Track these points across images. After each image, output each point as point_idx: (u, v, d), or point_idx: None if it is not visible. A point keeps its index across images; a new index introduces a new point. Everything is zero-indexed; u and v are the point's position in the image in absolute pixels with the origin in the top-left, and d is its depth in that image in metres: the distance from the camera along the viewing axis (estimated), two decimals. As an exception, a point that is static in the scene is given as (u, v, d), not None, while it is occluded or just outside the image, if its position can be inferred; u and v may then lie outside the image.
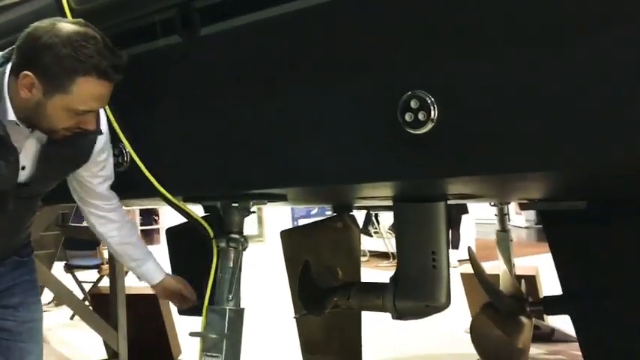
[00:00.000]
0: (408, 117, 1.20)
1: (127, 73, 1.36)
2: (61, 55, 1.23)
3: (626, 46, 0.99)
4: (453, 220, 8.35)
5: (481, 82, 1.15)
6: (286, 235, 3.08)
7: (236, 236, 1.73)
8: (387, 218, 8.45)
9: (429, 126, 1.19)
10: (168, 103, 1.62)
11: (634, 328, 2.22)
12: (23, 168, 1.43)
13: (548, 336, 3.87)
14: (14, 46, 1.30)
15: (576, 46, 1.04)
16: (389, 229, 8.22)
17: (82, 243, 5.29)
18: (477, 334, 2.35)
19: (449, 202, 1.96)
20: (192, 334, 1.65)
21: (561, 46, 1.05)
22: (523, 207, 2.45)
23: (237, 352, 1.69)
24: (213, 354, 1.66)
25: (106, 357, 3.82)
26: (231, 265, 1.72)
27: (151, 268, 1.79)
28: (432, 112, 1.18)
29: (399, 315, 1.90)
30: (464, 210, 8.20)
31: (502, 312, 2.48)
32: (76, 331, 4.59)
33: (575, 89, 1.06)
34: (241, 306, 1.73)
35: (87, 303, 4.61)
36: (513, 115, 1.14)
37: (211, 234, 1.75)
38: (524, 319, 2.53)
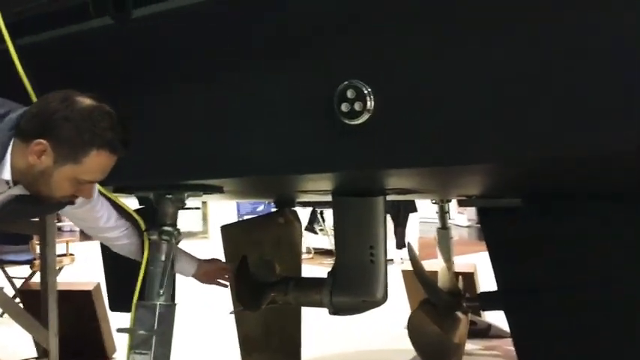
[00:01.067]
0: (344, 107, 1.18)
1: (58, 54, 1.31)
2: (80, 128, 1.27)
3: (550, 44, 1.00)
4: (401, 219, 8.46)
5: (418, 73, 1.15)
6: (227, 230, 3.02)
7: (169, 229, 1.67)
8: (332, 216, 8.48)
9: (365, 116, 1.17)
10: (100, 88, 1.54)
11: (565, 323, 2.28)
12: None
13: (484, 332, 3.95)
14: (26, 111, 1.31)
15: (512, 36, 1.04)
16: (307, 228, 8.26)
17: (13, 237, 5.06)
18: (414, 329, 2.36)
19: (389, 197, 1.96)
20: (119, 331, 1.58)
21: (499, 34, 1.06)
22: (461, 204, 2.48)
23: (167, 349, 1.63)
24: (142, 351, 1.59)
25: (36, 356, 3.65)
26: (163, 258, 1.66)
27: (183, 263, 1.81)
28: (369, 103, 1.16)
29: (336, 310, 1.88)
30: (412, 209, 8.30)
31: (439, 308, 2.50)
32: (5, 329, 4.37)
33: (508, 82, 1.06)
34: (173, 301, 1.67)
35: (17, 300, 4.40)
36: (449, 107, 1.13)
37: (143, 226, 1.69)
38: (460, 315, 2.56)
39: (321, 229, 8.27)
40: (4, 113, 1.30)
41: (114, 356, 3.84)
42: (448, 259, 3.93)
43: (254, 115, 1.31)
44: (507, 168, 1.22)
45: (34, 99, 1.47)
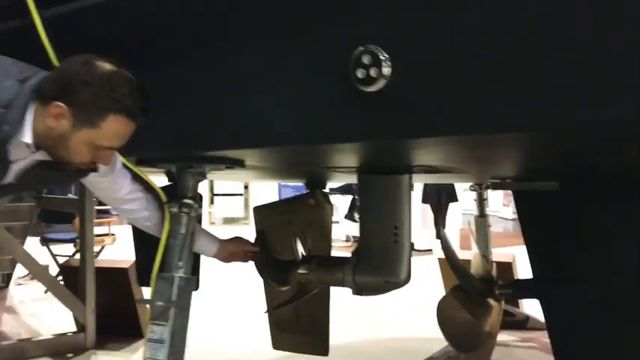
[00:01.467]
0: (360, 73, 1.14)
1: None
2: (98, 93, 1.26)
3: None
4: (442, 208, 8.32)
5: (435, 38, 1.09)
6: (258, 212, 3.02)
7: (189, 201, 1.66)
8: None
9: (381, 83, 1.12)
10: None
11: (601, 314, 2.18)
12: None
13: (522, 323, 3.85)
14: (46, 74, 1.32)
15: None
16: (346, 217, 8.20)
17: (58, 216, 5.21)
18: (443, 316, 2.29)
19: (418, 179, 1.90)
20: (139, 302, 1.58)
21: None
22: (496, 187, 2.40)
23: (185, 321, 1.63)
24: (161, 322, 1.60)
25: (75, 330, 3.75)
26: (183, 230, 1.65)
27: (204, 242, 1.81)
28: (385, 69, 1.12)
29: (359, 290, 1.84)
30: (453, 198, 8.15)
31: (471, 294, 2.43)
32: (48, 305, 4.51)
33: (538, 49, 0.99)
34: (193, 275, 1.66)
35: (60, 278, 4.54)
36: (468, 73, 1.07)
37: (164, 199, 1.69)
38: (492, 302, 2.49)
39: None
40: (26, 78, 1.30)
41: (149, 334, 3.90)
42: (485, 248, 3.84)
43: (268, 84, 1.28)
44: (542, 138, 1.13)
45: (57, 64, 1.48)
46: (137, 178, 1.68)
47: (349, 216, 8.28)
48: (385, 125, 1.16)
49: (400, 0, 1.12)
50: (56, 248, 5.53)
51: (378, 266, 1.80)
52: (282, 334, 3.05)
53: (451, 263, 2.35)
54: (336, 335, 3.25)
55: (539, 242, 2.33)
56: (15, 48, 1.38)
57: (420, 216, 8.13)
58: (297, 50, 1.22)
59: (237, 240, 1.95)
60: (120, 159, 1.59)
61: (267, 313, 3.05)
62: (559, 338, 2.30)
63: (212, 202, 11.90)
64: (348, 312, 4.65)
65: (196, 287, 2.30)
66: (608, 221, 2.11)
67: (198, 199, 1.71)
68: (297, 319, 2.98)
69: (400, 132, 1.16)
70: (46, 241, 5.34)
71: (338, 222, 8.29)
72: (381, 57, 1.12)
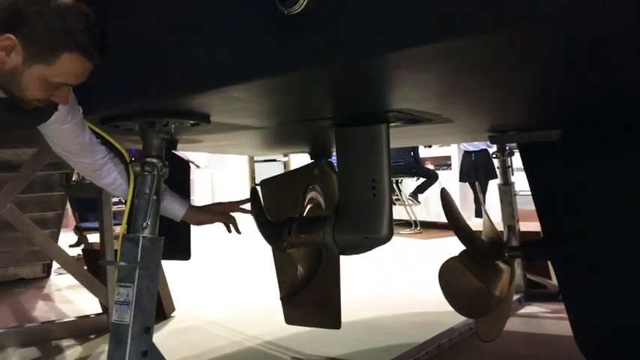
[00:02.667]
0: (280, -6, 1.05)
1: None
2: (52, 27, 1.19)
3: None
4: (480, 187, 8.08)
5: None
6: (265, 185, 2.97)
7: (153, 160, 1.61)
8: (408, 185, 8.25)
9: (303, 2, 1.03)
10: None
11: (615, 274, 2.02)
12: None
13: (554, 295, 3.66)
14: None
15: None
16: (410, 195, 8.02)
17: (90, 204, 5.30)
18: (446, 280, 2.18)
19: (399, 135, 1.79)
20: (102, 263, 1.55)
21: None
22: (494, 140, 2.26)
23: (153, 282, 1.58)
24: (126, 284, 1.55)
25: (99, 312, 3.81)
26: (147, 190, 1.60)
27: (169, 204, 1.75)
28: (302, -15, 1.02)
29: (341, 249, 1.76)
30: (492, 175, 7.90)
31: (478, 257, 2.30)
32: (83, 292, 4.61)
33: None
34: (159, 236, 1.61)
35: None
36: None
37: (127, 158, 1.64)
38: (502, 265, 2.35)
39: (397, 199, 8.06)
40: None
41: (172, 315, 3.92)
42: (510, 218, 3.67)
43: (198, 26, 1.21)
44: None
45: None
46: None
47: (413, 195, 8.07)
48: (311, 49, 1.07)
49: None
50: (93, 237, 5.66)
51: (358, 222, 1.71)
52: (294, 309, 3.00)
53: (453, 223, 2.23)
54: (352, 310, 3.18)
55: (546, 200, 2.18)
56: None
57: (458, 195, 7.92)
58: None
59: (216, 204, 1.88)
60: (78, 107, 1.54)
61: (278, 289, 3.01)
62: (572, 301, 2.15)
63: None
64: (364, 285, 4.58)
65: (187, 257, 2.28)
66: (617, 173, 1.94)
67: (164, 158, 1.65)
68: (308, 293, 2.92)
69: (328, 56, 1.07)
70: (79, 230, 5.46)
71: (399, 202, 8.06)
72: (300, -27, 1.03)
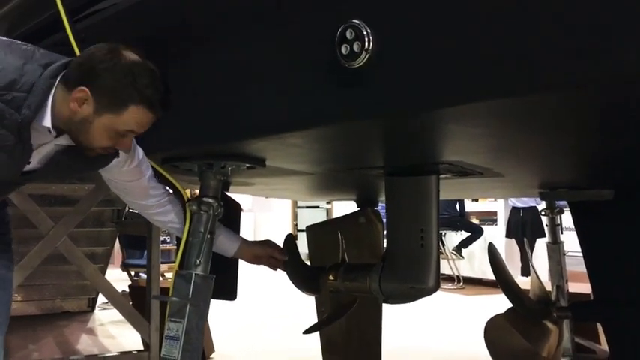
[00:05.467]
0: (344, 49, 1.11)
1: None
2: (121, 82, 1.30)
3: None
4: (528, 244, 7.91)
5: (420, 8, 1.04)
6: (311, 230, 3.00)
7: (209, 200, 1.68)
8: (452, 238, 8.14)
9: (365, 57, 1.09)
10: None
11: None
12: (29, 163, 1.47)
13: (603, 361, 3.51)
14: (72, 60, 1.37)
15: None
16: (453, 250, 7.91)
17: (137, 241, 5.44)
18: (491, 337, 2.14)
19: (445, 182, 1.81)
20: (155, 298, 1.60)
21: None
22: (544, 197, 2.24)
23: (201, 320, 1.62)
24: (177, 319, 1.60)
25: (141, 349, 3.85)
26: (202, 229, 1.66)
27: (224, 240, 1.82)
28: (367, 43, 1.08)
29: (386, 297, 1.76)
30: (540, 233, 7.72)
31: (525, 316, 2.26)
32: (127, 327, 4.69)
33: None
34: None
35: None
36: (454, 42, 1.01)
37: (185, 197, 1.71)
38: (550, 325, 2.29)
39: (440, 252, 7.94)
40: (48, 62, 1.35)
41: (212, 356, 3.94)
42: (559, 277, 3.59)
43: (258, 74, 1.28)
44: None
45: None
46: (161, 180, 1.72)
47: (456, 249, 7.98)
48: (372, 101, 1.12)
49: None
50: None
51: (404, 272, 1.72)
52: (334, 356, 2.97)
53: (501, 279, 2.20)
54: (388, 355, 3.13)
55: (598, 260, 2.14)
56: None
57: (504, 252, 7.76)
58: (284, 37, 1.22)
59: (265, 242, 1.93)
60: (142, 153, 1.62)
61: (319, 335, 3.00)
62: (623, 366, 2.08)
63: (295, 237, 11.99)
64: (405, 336, 4.50)
65: (233, 297, 2.31)
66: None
67: (220, 199, 1.72)
68: (349, 339, 2.91)
69: (388, 107, 1.12)
70: (126, 267, 5.58)
71: (442, 255, 7.95)
72: (364, 32, 1.09)
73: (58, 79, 1.33)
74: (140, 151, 1.61)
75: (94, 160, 1.47)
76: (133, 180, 1.65)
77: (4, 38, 1.36)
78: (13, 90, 1.28)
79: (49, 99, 1.33)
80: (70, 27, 1.55)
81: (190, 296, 1.60)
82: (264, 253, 1.91)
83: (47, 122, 1.34)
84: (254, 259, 1.90)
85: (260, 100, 1.30)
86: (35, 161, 1.44)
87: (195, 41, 1.40)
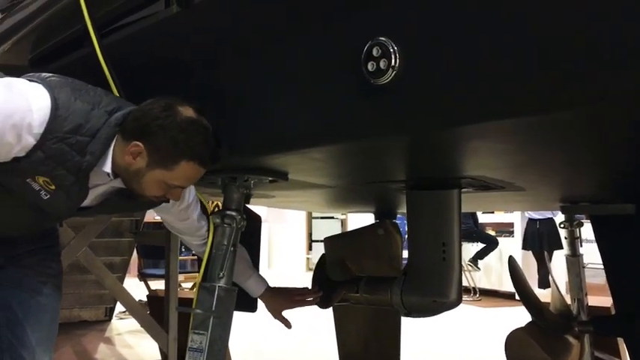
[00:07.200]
0: (370, 66, 1.13)
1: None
2: (174, 140, 1.33)
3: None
4: (544, 255, 7.85)
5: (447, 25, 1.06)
6: (329, 242, 3.01)
7: (232, 213, 1.69)
8: (468, 250, 8.10)
9: (391, 75, 1.10)
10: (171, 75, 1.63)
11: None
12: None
13: (624, 376, 3.47)
14: (132, 110, 1.41)
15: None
16: (469, 261, 7.86)
17: (153, 251, 5.48)
18: (512, 352, 2.13)
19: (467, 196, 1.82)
20: (178, 309, 1.62)
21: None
22: (565, 210, 2.23)
23: (224, 332, 1.63)
24: (200, 331, 1.61)
25: (158, 358, 3.87)
26: (225, 242, 1.68)
27: (252, 282, 1.89)
28: (394, 60, 1.10)
29: (408, 311, 1.77)
30: (557, 245, 7.65)
31: (546, 330, 2.25)
32: (144, 337, 4.71)
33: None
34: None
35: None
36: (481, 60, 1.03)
37: (208, 210, 1.73)
38: (572, 340, 2.28)
39: (457, 264, 7.89)
40: (113, 110, 1.38)
41: (229, 367, 3.94)
42: (579, 290, 3.55)
43: (282, 88, 1.30)
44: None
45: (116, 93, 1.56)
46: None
47: (472, 261, 7.93)
48: (398, 117, 1.13)
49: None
50: (155, 284, 5.81)
51: (426, 285, 1.73)
52: (353, 370, 2.97)
53: (521, 293, 2.19)
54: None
55: (620, 274, 2.13)
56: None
57: (520, 264, 7.70)
58: (310, 54, 1.23)
59: (287, 291, 1.96)
60: (194, 195, 1.66)
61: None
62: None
63: (310, 248, 12.02)
64: (423, 349, 4.47)
65: (253, 310, 2.32)
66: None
67: (243, 212, 1.73)
68: (367, 353, 2.90)
69: (414, 123, 1.13)
70: (143, 277, 5.62)
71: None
72: (391, 49, 1.10)
73: (119, 128, 1.38)
74: (192, 194, 1.65)
75: (145, 202, 1.51)
76: (181, 220, 1.70)
77: (77, 81, 1.39)
78: (77, 134, 1.31)
79: (110, 146, 1.37)
80: (98, 41, 1.57)
81: (214, 309, 1.61)
82: (285, 300, 1.92)
83: (107, 168, 1.39)
84: (274, 307, 1.91)
85: (285, 116, 1.32)
86: (90, 199, 1.48)
87: (221, 56, 1.42)
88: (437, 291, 1.70)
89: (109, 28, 1.72)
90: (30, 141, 1.28)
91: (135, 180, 1.39)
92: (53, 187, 1.36)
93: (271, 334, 5.32)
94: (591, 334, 2.72)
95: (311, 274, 2.58)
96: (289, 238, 11.93)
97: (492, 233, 8.52)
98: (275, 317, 1.94)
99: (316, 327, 3.44)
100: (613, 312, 3.81)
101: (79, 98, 1.35)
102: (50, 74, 1.39)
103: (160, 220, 1.92)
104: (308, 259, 11.94)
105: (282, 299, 1.92)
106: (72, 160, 1.32)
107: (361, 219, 3.09)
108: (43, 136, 1.28)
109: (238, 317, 1.70)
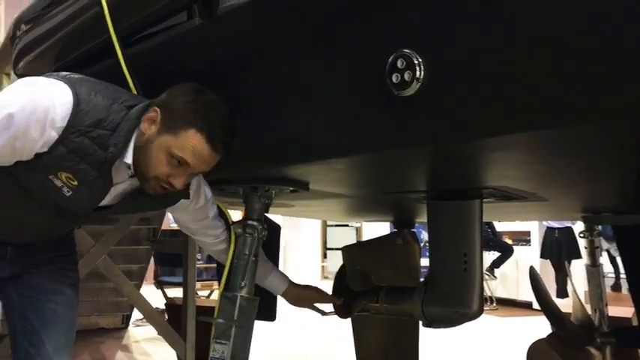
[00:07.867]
0: (394, 78, 1.13)
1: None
2: (188, 107, 1.34)
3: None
4: (561, 264, 7.78)
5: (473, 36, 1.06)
6: (347, 251, 3.01)
7: (254, 223, 1.70)
8: (485, 259, 8.04)
9: (416, 86, 1.11)
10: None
11: None
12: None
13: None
14: (148, 104, 1.42)
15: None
16: (486, 270, 7.81)
17: (170, 259, 5.50)
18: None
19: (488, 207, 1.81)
20: (201, 319, 1.63)
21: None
22: (587, 220, 2.21)
23: (246, 342, 1.63)
24: (222, 341, 1.62)
25: (176, 367, 3.89)
26: (247, 252, 1.69)
27: (273, 280, 1.89)
28: (418, 72, 1.10)
29: (429, 321, 1.76)
30: (575, 254, 7.58)
31: (568, 341, 2.22)
32: (161, 344, 4.73)
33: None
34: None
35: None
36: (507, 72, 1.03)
37: (230, 220, 1.74)
38: (593, 351, 2.25)
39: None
40: (134, 104, 1.41)
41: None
42: (599, 301, 3.52)
43: (306, 98, 1.30)
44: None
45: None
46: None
47: (489, 270, 7.88)
48: (422, 129, 1.13)
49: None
50: (172, 292, 5.84)
51: (447, 296, 1.72)
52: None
53: (542, 303, 2.18)
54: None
55: (643, 284, 2.10)
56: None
57: (538, 272, 7.63)
58: (333, 64, 1.24)
59: (311, 288, 1.97)
60: (210, 195, 1.67)
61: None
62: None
63: (325, 256, 12.00)
64: (440, 353, 4.44)
65: (272, 318, 2.33)
66: None
67: (264, 222, 1.74)
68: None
69: (438, 136, 1.13)
70: (160, 284, 5.64)
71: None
72: (415, 61, 1.11)
73: (141, 120, 1.39)
74: (208, 193, 1.66)
75: (163, 198, 1.50)
76: (195, 221, 1.71)
77: (95, 80, 1.41)
78: (99, 128, 1.33)
79: (132, 138, 1.38)
80: (122, 53, 1.59)
81: (236, 318, 1.62)
82: (308, 297, 1.94)
83: (129, 159, 1.39)
84: (297, 303, 1.93)
85: (308, 126, 1.32)
86: (109, 198, 1.49)
87: (245, 68, 1.43)
88: (458, 301, 1.69)
89: (131, 39, 1.74)
90: (53, 135, 1.30)
91: (143, 150, 1.36)
92: (76, 182, 1.36)
93: (295, 339, 5.35)
94: (612, 346, 2.69)
95: (326, 282, 2.58)
96: (304, 246, 11.92)
97: (509, 242, 8.46)
98: (302, 307, 1.95)
99: (340, 333, 3.43)
100: (633, 322, 3.77)
101: (99, 93, 1.36)
102: (69, 72, 1.41)
103: (177, 228, 1.93)
104: (323, 267, 11.92)
105: (306, 292, 1.93)
106: (94, 154, 1.33)
107: (376, 227, 3.07)
108: (65, 130, 1.30)
109: (263, 322, 1.71)
